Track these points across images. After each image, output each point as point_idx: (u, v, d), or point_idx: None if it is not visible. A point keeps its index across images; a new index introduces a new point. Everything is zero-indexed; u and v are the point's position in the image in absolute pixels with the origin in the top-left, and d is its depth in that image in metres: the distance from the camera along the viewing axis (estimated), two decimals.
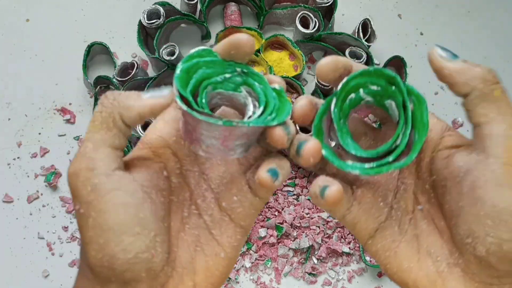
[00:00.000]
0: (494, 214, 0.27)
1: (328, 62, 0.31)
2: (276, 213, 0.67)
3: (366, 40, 0.68)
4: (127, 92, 0.29)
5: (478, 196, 0.27)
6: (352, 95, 0.30)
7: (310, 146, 0.28)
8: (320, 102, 0.31)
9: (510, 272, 0.28)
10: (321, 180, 0.29)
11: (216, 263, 0.31)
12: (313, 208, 0.67)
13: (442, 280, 0.29)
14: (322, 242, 0.66)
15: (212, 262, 0.31)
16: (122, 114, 0.28)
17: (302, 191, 0.68)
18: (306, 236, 0.66)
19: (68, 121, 0.69)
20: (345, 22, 0.74)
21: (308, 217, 0.67)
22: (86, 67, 0.68)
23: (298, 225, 0.66)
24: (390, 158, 0.29)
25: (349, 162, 0.29)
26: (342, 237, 0.67)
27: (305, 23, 0.69)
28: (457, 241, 0.29)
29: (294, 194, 0.68)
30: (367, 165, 0.29)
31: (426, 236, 0.31)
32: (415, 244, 0.31)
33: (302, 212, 0.67)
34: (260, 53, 0.67)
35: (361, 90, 0.30)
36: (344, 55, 0.68)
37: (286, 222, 0.66)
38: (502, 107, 0.29)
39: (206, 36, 0.71)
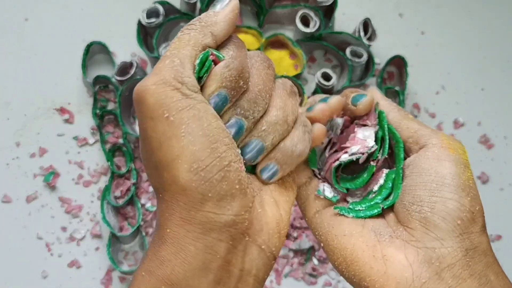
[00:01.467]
0: (438, 179, 0.31)
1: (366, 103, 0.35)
2: None
3: (367, 39, 0.68)
4: (205, 14, 0.30)
5: (423, 168, 0.32)
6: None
7: None
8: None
9: (452, 233, 0.29)
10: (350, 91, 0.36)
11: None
12: None
13: (381, 247, 0.31)
14: None
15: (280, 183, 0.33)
16: (212, 30, 0.29)
17: None
18: (306, 237, 0.66)
19: (67, 120, 0.68)
20: (345, 21, 0.73)
21: None
22: (85, 66, 0.68)
23: (299, 225, 0.66)
24: (379, 200, 0.34)
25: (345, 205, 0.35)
26: None
27: (305, 22, 0.69)
28: (401, 215, 0.31)
29: None
30: (359, 208, 0.34)
31: (373, 220, 0.33)
32: (362, 221, 0.33)
33: None
34: None
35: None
36: (345, 54, 0.67)
37: None
38: (416, 120, 0.35)
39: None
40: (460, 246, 0.29)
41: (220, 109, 0.29)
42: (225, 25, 0.30)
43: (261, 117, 0.31)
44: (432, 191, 0.30)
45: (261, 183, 0.32)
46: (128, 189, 0.66)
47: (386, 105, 0.36)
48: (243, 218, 0.28)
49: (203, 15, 0.30)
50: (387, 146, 0.34)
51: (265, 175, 0.31)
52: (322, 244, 0.34)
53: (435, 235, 0.30)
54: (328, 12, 0.70)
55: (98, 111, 0.67)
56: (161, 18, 0.66)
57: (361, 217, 0.33)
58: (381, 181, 0.34)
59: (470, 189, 0.31)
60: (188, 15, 0.68)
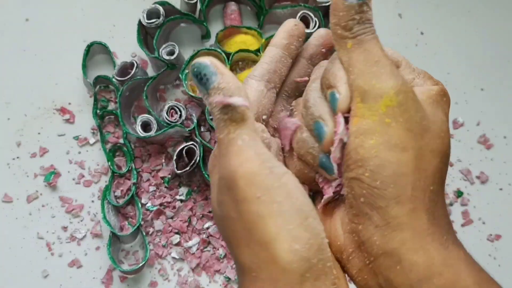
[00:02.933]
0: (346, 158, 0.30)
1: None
2: None
3: None
4: (221, 80, 0.28)
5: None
6: None
7: None
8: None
9: (362, 211, 0.29)
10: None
11: None
12: None
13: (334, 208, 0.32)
14: None
15: None
16: (231, 94, 0.29)
17: None
18: None
19: (67, 120, 0.69)
20: None
21: None
22: (85, 66, 0.68)
23: None
24: None
25: None
26: None
27: (305, 22, 0.69)
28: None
29: None
30: None
31: None
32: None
33: None
34: (260, 53, 0.67)
35: None
36: None
37: None
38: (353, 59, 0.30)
39: (206, 36, 0.71)
40: (370, 224, 0.29)
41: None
42: (232, 79, 0.28)
43: None
44: (345, 169, 0.31)
45: None
46: (129, 189, 0.66)
47: None
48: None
49: (216, 93, 0.28)
50: None
51: (325, 168, 0.32)
52: None
53: (352, 211, 0.30)
54: (328, 13, 0.70)
55: (98, 111, 0.67)
56: (161, 19, 0.66)
57: None
58: None
59: (370, 161, 0.28)
60: (188, 15, 0.68)
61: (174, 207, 0.66)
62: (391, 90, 0.29)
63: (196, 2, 0.67)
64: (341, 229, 0.31)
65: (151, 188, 0.66)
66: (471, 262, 0.30)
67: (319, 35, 0.36)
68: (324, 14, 0.70)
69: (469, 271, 0.29)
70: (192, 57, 0.66)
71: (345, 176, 0.30)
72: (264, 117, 0.34)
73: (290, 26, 0.35)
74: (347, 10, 0.29)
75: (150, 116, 0.64)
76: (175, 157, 0.64)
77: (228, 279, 0.65)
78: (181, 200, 0.66)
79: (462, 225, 0.68)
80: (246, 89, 0.33)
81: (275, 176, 0.27)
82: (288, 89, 0.36)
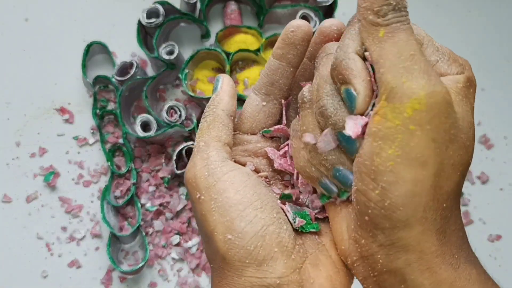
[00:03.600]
0: (357, 160, 0.27)
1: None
2: None
3: None
4: (211, 99, 0.33)
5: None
6: None
7: None
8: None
9: (367, 227, 0.27)
10: None
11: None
12: None
13: (341, 210, 0.30)
14: None
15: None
16: (222, 108, 0.32)
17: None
18: None
19: (67, 121, 0.69)
20: (345, 21, 0.73)
21: None
22: (85, 66, 0.68)
23: None
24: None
25: None
26: None
27: None
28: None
29: None
30: None
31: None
32: None
33: None
34: (260, 52, 0.67)
35: None
36: None
37: None
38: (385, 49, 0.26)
39: (205, 35, 0.71)
40: (374, 241, 0.27)
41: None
42: (230, 98, 0.32)
43: None
44: (356, 175, 0.28)
45: (316, 243, 0.31)
46: (128, 189, 0.66)
47: None
48: (289, 280, 0.28)
49: (210, 102, 0.33)
50: None
51: (321, 197, 0.32)
52: None
53: (357, 222, 0.28)
54: (328, 12, 0.70)
55: (98, 111, 0.67)
56: (161, 18, 0.66)
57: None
58: None
59: (384, 175, 0.26)
60: (188, 15, 0.68)
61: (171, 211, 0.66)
62: (422, 91, 0.25)
63: (196, 1, 0.67)
64: (346, 233, 0.29)
65: (151, 188, 0.66)
66: (482, 281, 0.28)
67: (321, 32, 0.32)
68: (325, 13, 0.70)
69: None
70: (192, 57, 0.66)
71: (354, 186, 0.28)
72: (259, 130, 0.34)
73: (286, 34, 0.32)
74: None
75: (150, 116, 0.64)
76: (174, 157, 0.64)
77: None
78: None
79: None
80: (246, 102, 0.34)
81: (213, 177, 0.29)
82: (297, 94, 0.34)
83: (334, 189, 0.30)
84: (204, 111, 0.33)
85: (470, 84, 0.30)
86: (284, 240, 0.29)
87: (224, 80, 0.33)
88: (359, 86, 0.27)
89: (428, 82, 0.25)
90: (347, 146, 0.28)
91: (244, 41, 0.69)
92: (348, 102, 0.27)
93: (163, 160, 0.67)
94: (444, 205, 0.27)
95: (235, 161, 0.33)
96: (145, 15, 0.65)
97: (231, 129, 0.32)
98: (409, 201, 0.25)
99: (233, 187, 0.29)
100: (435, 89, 0.25)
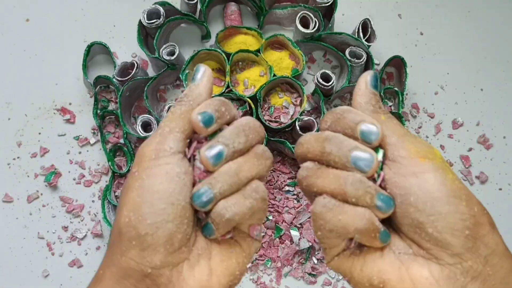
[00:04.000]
0: (426, 196, 0.30)
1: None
2: (276, 213, 0.67)
3: (366, 40, 0.68)
4: (188, 88, 0.34)
5: (405, 188, 0.31)
6: None
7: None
8: None
9: (466, 245, 0.30)
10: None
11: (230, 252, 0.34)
12: None
13: (406, 267, 0.31)
14: None
15: (226, 250, 0.34)
16: (199, 102, 0.33)
17: (302, 192, 0.68)
18: (304, 237, 0.66)
19: (68, 121, 0.69)
20: (345, 22, 0.73)
21: (308, 217, 0.67)
22: (86, 67, 0.68)
23: (299, 226, 0.66)
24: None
25: None
26: None
27: (305, 23, 0.69)
28: (410, 237, 0.32)
29: (294, 194, 0.68)
30: None
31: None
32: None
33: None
34: (260, 53, 0.67)
35: None
36: (344, 55, 0.68)
37: (285, 222, 0.66)
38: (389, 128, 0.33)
39: (206, 36, 0.71)
40: (478, 256, 0.30)
41: (207, 123, 0.32)
42: (207, 94, 0.34)
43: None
44: (427, 212, 0.30)
45: (209, 250, 0.33)
46: None
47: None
48: (160, 274, 0.30)
49: (187, 90, 0.34)
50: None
51: (204, 231, 0.33)
52: (347, 280, 0.34)
53: (451, 251, 0.30)
54: (327, 13, 0.70)
55: (99, 111, 0.67)
56: (161, 19, 0.66)
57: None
58: None
59: (461, 192, 0.30)
60: (188, 15, 0.68)
61: None
62: (435, 149, 0.33)
63: (196, 2, 0.68)
64: (431, 277, 0.31)
65: None
66: None
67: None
68: (324, 14, 0.70)
69: None
70: (193, 57, 0.66)
71: (435, 219, 0.30)
72: None
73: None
74: (373, 94, 0.34)
75: (151, 116, 0.64)
76: None
77: None
78: None
79: None
80: None
81: (155, 161, 0.31)
82: None
83: (388, 234, 0.32)
84: (181, 97, 0.34)
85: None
86: (174, 239, 0.31)
87: (206, 72, 0.35)
88: (371, 120, 0.33)
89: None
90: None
91: (244, 41, 0.69)
92: (367, 137, 0.32)
93: None
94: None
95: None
96: (145, 16, 0.66)
97: None
98: (484, 208, 0.31)
99: (162, 177, 0.31)
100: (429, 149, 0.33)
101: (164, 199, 0.31)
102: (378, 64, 0.72)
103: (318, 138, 0.33)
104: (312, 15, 0.68)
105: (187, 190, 0.31)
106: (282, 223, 0.66)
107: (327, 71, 0.66)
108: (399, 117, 0.67)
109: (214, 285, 0.32)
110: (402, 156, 0.32)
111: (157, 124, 0.64)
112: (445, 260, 0.30)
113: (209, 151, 0.32)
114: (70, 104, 0.69)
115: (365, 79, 0.34)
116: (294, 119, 0.65)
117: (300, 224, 0.66)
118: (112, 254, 0.31)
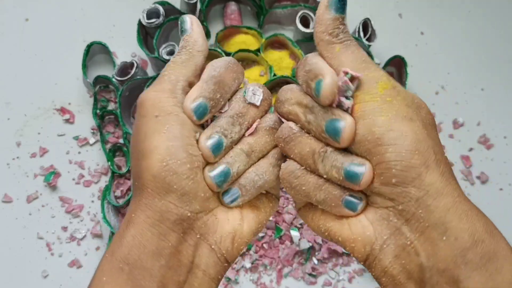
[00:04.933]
0: (357, 148, 0.30)
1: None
2: (276, 213, 0.67)
3: (366, 40, 0.68)
4: (183, 39, 0.34)
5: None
6: None
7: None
8: None
9: (395, 191, 0.29)
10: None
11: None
12: None
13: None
14: (322, 242, 0.66)
15: (255, 200, 0.35)
16: (198, 48, 0.34)
17: None
18: (304, 238, 0.66)
19: (67, 120, 0.69)
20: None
21: None
22: (85, 66, 0.68)
23: (299, 226, 0.66)
24: None
25: None
26: None
27: (305, 22, 0.69)
28: None
29: None
30: None
31: None
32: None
33: None
34: (260, 53, 0.67)
35: None
36: None
37: (285, 222, 0.66)
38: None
39: (205, 36, 0.71)
40: (410, 199, 0.29)
41: (200, 116, 0.32)
42: (202, 39, 0.34)
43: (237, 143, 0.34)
44: (360, 156, 0.31)
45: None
46: (129, 189, 0.66)
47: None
48: (198, 217, 0.31)
49: (182, 42, 0.34)
50: None
51: (226, 199, 0.33)
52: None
53: (383, 197, 0.30)
54: None
55: (98, 111, 0.67)
56: (161, 19, 0.66)
57: None
58: None
59: (388, 135, 0.29)
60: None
61: None
62: (384, 76, 0.31)
63: (196, 2, 0.67)
64: (365, 220, 0.31)
65: None
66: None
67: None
68: None
69: (504, 239, 0.31)
70: None
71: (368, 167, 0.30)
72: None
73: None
74: (333, 20, 0.32)
75: None
76: None
77: (228, 279, 0.65)
78: None
79: None
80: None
81: (177, 108, 0.32)
82: None
83: (357, 201, 0.31)
84: (178, 51, 0.34)
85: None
86: (208, 186, 0.32)
87: (193, 20, 0.35)
88: (328, 76, 0.31)
89: (384, 72, 0.32)
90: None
91: (244, 41, 0.69)
92: (316, 91, 0.31)
93: None
94: (445, 154, 0.31)
95: None
96: (145, 15, 0.66)
97: (200, 71, 0.34)
98: (419, 146, 0.29)
99: (190, 126, 0.32)
100: (389, 76, 0.32)
101: (194, 146, 0.31)
102: (378, 64, 0.72)
103: (301, 104, 0.33)
104: (312, 15, 0.68)
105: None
106: (282, 223, 0.66)
107: None
108: None
109: (245, 229, 0.34)
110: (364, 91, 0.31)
111: None
112: (378, 203, 0.31)
113: (208, 141, 0.32)
114: (69, 104, 0.69)
115: (324, 3, 0.32)
116: None
117: (300, 224, 0.66)
118: (145, 198, 0.31)
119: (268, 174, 0.33)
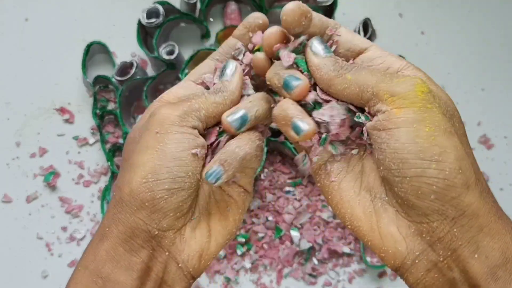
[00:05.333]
0: (396, 157, 0.29)
1: (292, 9, 0.35)
2: (276, 213, 0.67)
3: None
4: (223, 82, 0.34)
5: (380, 144, 0.30)
6: None
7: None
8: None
9: (432, 208, 0.29)
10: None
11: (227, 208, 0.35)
12: (313, 207, 0.67)
13: (377, 218, 0.31)
14: (322, 242, 0.66)
15: (223, 208, 0.35)
16: (232, 99, 0.34)
17: (302, 192, 0.67)
18: (304, 238, 0.66)
19: (67, 120, 0.69)
20: (345, 21, 0.73)
21: (309, 217, 0.66)
22: (85, 66, 0.68)
23: (299, 226, 0.66)
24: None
25: None
26: (342, 237, 0.67)
27: None
28: (385, 184, 0.31)
29: (294, 194, 0.68)
30: None
31: (369, 174, 0.32)
32: (359, 180, 0.33)
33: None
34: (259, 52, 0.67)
35: None
36: None
37: (285, 222, 0.66)
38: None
39: (205, 35, 0.71)
40: (446, 217, 0.29)
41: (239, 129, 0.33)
42: (239, 92, 0.34)
43: None
44: (393, 173, 0.29)
45: (208, 210, 0.34)
46: None
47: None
48: (166, 235, 0.32)
49: (221, 85, 0.34)
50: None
51: (211, 180, 0.32)
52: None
53: (417, 211, 0.29)
54: (328, 12, 0.70)
55: (98, 111, 0.67)
56: (161, 18, 0.66)
57: None
58: None
59: (432, 152, 0.28)
60: (188, 15, 0.68)
61: None
62: (417, 78, 0.30)
63: (196, 1, 0.67)
64: (398, 234, 0.31)
65: None
66: None
67: (269, 35, 0.38)
68: (325, 13, 0.70)
69: None
70: (192, 57, 0.66)
71: (400, 181, 0.29)
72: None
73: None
74: (329, 59, 0.33)
75: None
76: None
77: (228, 280, 0.65)
78: None
79: None
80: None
81: (180, 129, 0.32)
82: None
83: (304, 126, 0.32)
84: (216, 88, 0.34)
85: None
86: (184, 206, 0.32)
87: (237, 69, 0.35)
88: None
89: (413, 66, 0.31)
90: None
91: None
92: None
93: None
94: (477, 165, 0.30)
95: None
96: (145, 15, 0.65)
97: (218, 119, 0.34)
98: (461, 164, 0.29)
99: (184, 146, 0.31)
100: (420, 70, 0.31)
101: (184, 167, 0.31)
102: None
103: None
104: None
105: (201, 164, 0.32)
106: (282, 223, 0.66)
107: None
108: None
109: (212, 245, 0.34)
110: (379, 110, 0.30)
111: None
112: (412, 217, 0.30)
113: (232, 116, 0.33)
114: (69, 104, 0.69)
115: (313, 51, 0.33)
116: None
117: (300, 224, 0.66)
118: (119, 212, 0.31)
119: (249, 146, 0.33)
